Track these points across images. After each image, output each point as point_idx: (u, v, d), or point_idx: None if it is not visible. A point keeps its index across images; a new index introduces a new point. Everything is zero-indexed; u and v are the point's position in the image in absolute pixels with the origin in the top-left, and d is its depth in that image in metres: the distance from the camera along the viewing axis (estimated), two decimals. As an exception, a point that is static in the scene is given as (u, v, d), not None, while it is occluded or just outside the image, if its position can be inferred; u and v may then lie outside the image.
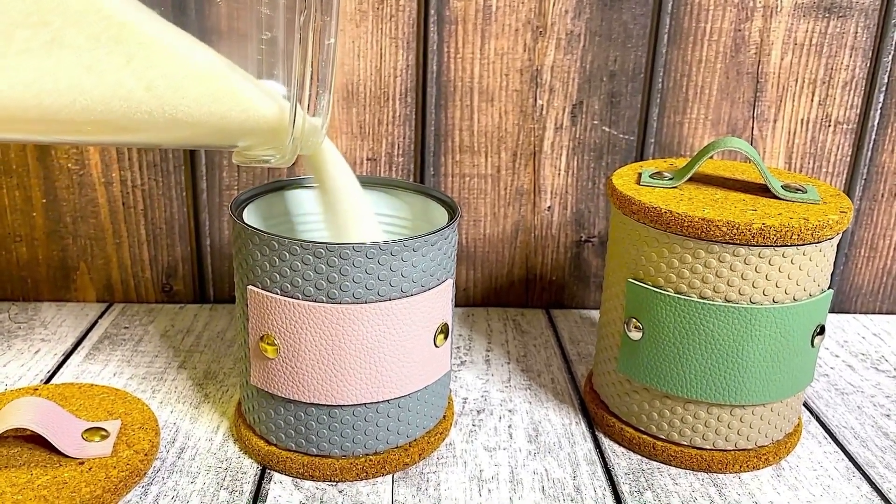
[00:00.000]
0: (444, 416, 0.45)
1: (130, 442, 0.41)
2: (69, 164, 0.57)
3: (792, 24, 0.57)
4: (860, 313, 0.64)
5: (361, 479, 0.41)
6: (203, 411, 0.47)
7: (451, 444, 0.45)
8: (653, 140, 0.59)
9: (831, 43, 0.57)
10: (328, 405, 0.40)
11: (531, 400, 0.50)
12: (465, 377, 0.52)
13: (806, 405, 0.51)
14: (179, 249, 0.60)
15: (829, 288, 0.43)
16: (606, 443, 0.46)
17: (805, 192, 0.43)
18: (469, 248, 0.61)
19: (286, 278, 0.38)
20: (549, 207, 0.61)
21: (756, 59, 0.57)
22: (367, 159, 0.59)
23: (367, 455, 0.41)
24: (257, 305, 0.40)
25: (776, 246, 0.39)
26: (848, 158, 0.60)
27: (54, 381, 0.50)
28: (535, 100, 0.58)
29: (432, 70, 0.57)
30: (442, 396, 0.45)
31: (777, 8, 0.56)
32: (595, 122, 0.59)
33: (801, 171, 0.60)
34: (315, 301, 0.38)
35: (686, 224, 0.39)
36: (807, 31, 0.57)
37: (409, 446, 0.42)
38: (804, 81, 0.58)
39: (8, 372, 0.50)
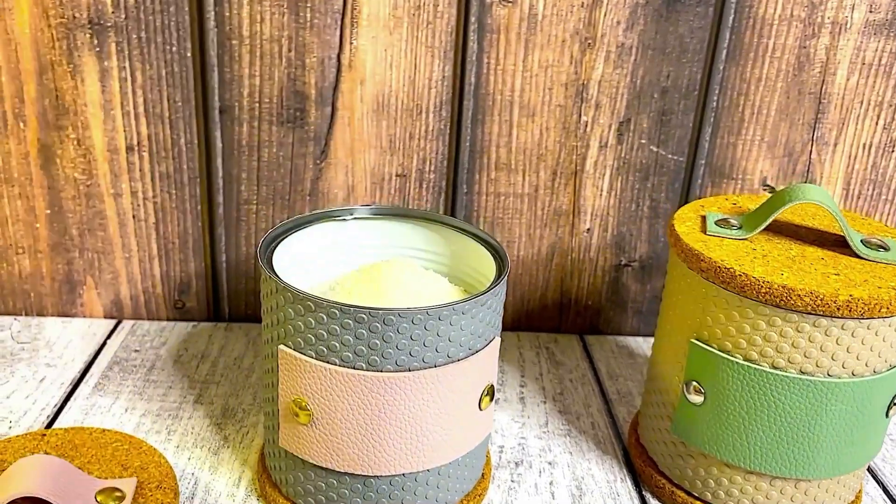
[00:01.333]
0: (483, 475, 0.42)
1: None
2: (75, 174, 0.53)
3: (861, 42, 0.52)
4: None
5: None
6: (223, 458, 0.44)
7: (490, 503, 0.42)
8: (703, 161, 0.55)
9: (903, 64, 0.53)
10: (364, 475, 0.37)
11: (572, 450, 0.47)
12: (500, 419, 0.49)
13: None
14: (193, 265, 0.56)
15: (907, 354, 0.40)
16: (655, 505, 0.43)
17: (888, 249, 0.39)
18: (501, 269, 0.58)
19: (323, 341, 0.35)
20: (588, 229, 0.57)
21: (820, 79, 0.53)
22: (397, 175, 0.54)
23: None
24: (290, 368, 0.36)
25: (862, 318, 0.36)
26: (910, 186, 0.56)
27: (62, 416, 0.46)
28: (580, 116, 0.53)
29: (470, 82, 0.52)
30: (482, 457, 0.41)
31: (847, 25, 0.52)
32: (643, 140, 0.54)
33: (859, 199, 0.57)
34: (354, 368, 0.35)
35: (764, 290, 0.36)
36: (876, 50, 0.52)
37: None
38: (869, 104, 0.54)
39: (12, 405, 0.47)
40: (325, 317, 0.34)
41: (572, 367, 0.55)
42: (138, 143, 0.53)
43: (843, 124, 0.54)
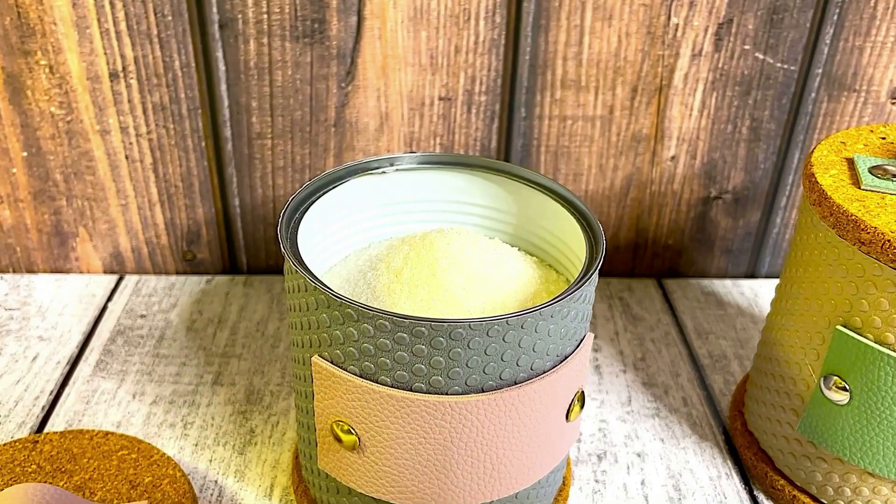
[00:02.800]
0: (563, 481, 0.35)
1: None
2: (52, 108, 0.44)
3: None
4: None
5: None
6: (250, 459, 0.37)
7: (572, 514, 0.35)
8: (819, 71, 0.44)
9: None
10: None
11: (663, 436, 0.39)
12: (573, 396, 0.41)
13: None
14: (202, 211, 0.48)
15: None
16: (770, 510, 0.35)
17: None
18: (566, 206, 0.48)
19: (370, 357, 0.27)
20: (672, 157, 0.47)
21: (981, -40, 0.41)
22: (440, 98, 0.44)
23: None
24: (328, 384, 0.28)
25: None
26: None
27: (59, 407, 0.39)
28: (669, 17, 0.43)
29: (531, -22, 0.41)
30: (563, 466, 0.34)
31: None
32: (747, 46, 0.44)
33: None
34: (412, 390, 0.27)
35: (956, 276, 0.27)
36: None
37: None
38: None
39: (2, 394, 0.40)
40: (371, 329, 0.26)
41: (653, 324, 0.47)
42: (123, 68, 0.43)
43: None
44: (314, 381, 0.29)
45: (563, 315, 0.27)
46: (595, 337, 0.46)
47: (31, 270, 0.49)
